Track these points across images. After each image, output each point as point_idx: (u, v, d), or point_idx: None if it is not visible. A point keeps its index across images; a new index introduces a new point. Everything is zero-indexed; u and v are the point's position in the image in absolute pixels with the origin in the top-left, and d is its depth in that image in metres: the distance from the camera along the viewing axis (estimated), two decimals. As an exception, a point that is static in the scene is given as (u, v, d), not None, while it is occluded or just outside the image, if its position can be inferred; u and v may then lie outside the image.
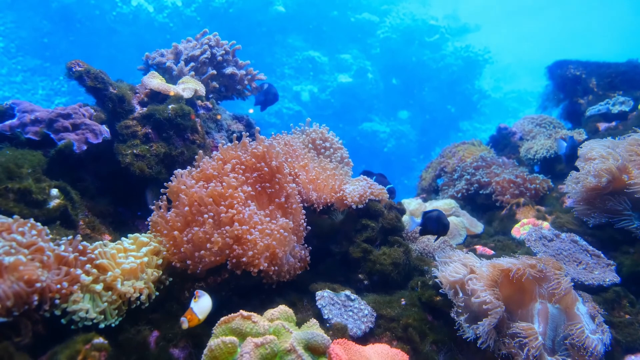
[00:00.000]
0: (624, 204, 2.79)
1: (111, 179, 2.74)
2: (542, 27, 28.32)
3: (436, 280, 2.28)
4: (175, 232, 2.15)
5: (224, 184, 2.27)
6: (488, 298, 1.98)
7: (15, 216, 1.80)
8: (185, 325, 1.78)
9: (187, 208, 2.19)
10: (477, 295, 2.02)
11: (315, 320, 1.90)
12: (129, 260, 1.99)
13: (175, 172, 2.39)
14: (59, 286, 1.67)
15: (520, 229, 3.33)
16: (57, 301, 1.70)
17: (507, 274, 2.13)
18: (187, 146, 2.85)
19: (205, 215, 2.15)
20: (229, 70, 3.52)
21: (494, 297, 1.98)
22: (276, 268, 2.20)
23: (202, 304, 1.85)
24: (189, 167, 2.48)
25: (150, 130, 2.75)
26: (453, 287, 2.16)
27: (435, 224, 2.65)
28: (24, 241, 1.68)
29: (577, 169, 3.08)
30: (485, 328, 1.94)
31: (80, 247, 1.90)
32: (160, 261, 2.13)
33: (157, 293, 2.03)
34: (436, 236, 2.80)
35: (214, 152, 2.59)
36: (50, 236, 1.86)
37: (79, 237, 1.94)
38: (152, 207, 2.35)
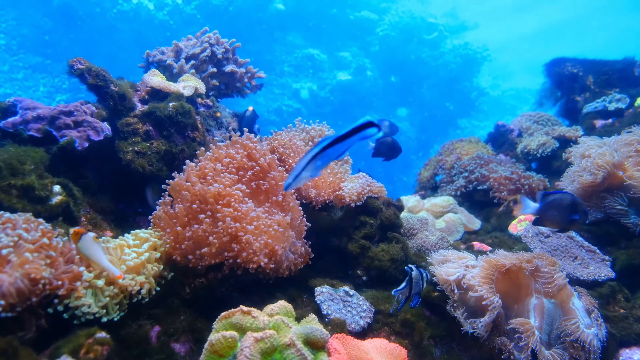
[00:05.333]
0: (619, 200, 2.82)
1: (112, 176, 2.76)
2: (540, 25, 28.32)
3: (434, 279, 2.31)
4: (179, 228, 2.17)
5: (216, 184, 2.29)
6: (485, 293, 2.01)
7: (26, 214, 1.83)
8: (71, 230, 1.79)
9: (194, 205, 2.21)
10: (474, 290, 2.05)
11: (314, 315, 1.93)
12: (132, 257, 2.01)
13: (188, 162, 2.41)
14: (61, 282, 1.70)
15: (518, 225, 3.36)
16: (57, 300, 1.72)
17: (502, 270, 2.16)
18: (187, 144, 2.87)
19: (202, 215, 2.17)
20: (229, 68, 3.54)
21: (490, 293, 2.01)
22: (274, 265, 2.22)
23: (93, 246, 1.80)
24: (194, 161, 2.50)
25: (151, 127, 2.77)
26: (450, 283, 2.18)
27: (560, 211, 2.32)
28: (29, 237, 1.70)
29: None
30: (485, 322, 1.97)
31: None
32: (158, 255, 2.15)
33: (158, 288, 2.06)
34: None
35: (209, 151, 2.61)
36: (55, 232, 1.88)
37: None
38: (154, 204, 2.38)
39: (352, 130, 1.43)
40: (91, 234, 1.79)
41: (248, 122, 3.40)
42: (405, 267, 2.11)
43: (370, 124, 1.41)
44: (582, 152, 3.10)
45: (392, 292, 2.06)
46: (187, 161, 2.42)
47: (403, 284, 2.04)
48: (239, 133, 2.64)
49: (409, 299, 2.08)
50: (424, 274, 2.10)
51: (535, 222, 2.44)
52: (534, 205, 2.41)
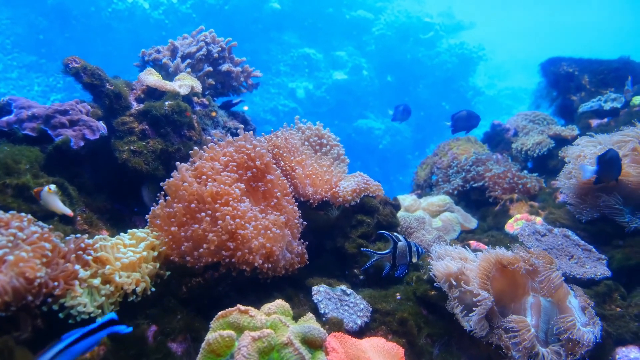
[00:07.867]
0: (615, 199, 2.83)
1: (108, 175, 2.75)
2: (536, 24, 28.47)
3: (431, 274, 2.31)
4: (174, 228, 2.16)
5: (215, 182, 2.27)
6: (476, 289, 2.02)
7: (13, 211, 1.82)
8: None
9: (193, 205, 2.20)
10: (469, 285, 2.05)
11: (311, 314, 1.92)
12: (127, 255, 2.00)
13: (178, 164, 2.39)
14: (56, 283, 1.68)
15: (514, 224, 3.37)
16: (51, 299, 1.71)
17: (500, 267, 2.16)
18: (183, 143, 2.86)
19: (203, 213, 2.16)
20: (225, 67, 3.53)
21: (482, 288, 2.02)
22: (270, 265, 2.21)
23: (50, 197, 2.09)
24: (189, 162, 2.49)
25: (147, 126, 2.76)
26: (447, 280, 2.18)
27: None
28: (25, 237, 1.69)
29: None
30: (476, 318, 1.98)
31: (83, 245, 1.91)
32: (155, 253, 2.14)
33: (154, 289, 2.05)
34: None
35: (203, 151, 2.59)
36: (50, 231, 1.87)
37: (85, 236, 1.96)
38: (150, 203, 2.36)
39: (97, 326, 1.51)
40: (45, 188, 2.06)
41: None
42: (385, 233, 2.17)
43: (117, 323, 1.53)
44: (578, 153, 3.10)
45: (362, 249, 2.13)
46: (178, 163, 2.41)
47: (387, 250, 2.09)
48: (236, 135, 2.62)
49: (394, 268, 2.13)
50: (415, 248, 2.13)
51: (596, 182, 2.87)
52: (592, 169, 2.81)
